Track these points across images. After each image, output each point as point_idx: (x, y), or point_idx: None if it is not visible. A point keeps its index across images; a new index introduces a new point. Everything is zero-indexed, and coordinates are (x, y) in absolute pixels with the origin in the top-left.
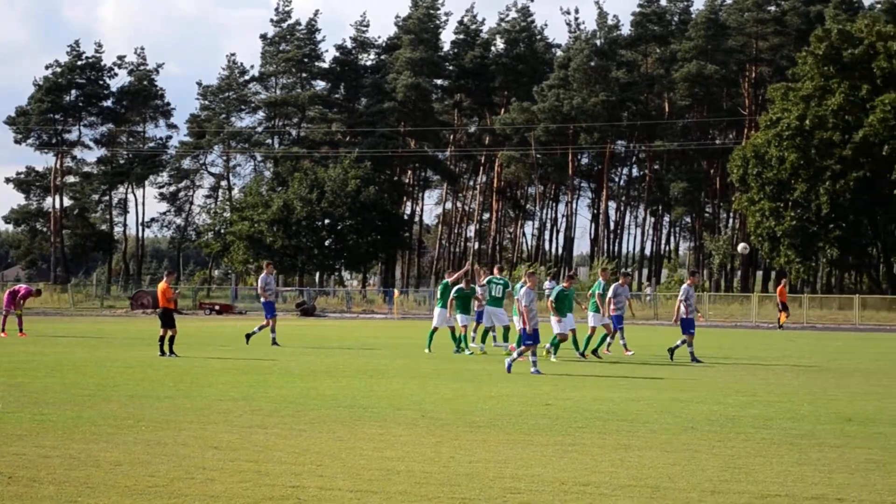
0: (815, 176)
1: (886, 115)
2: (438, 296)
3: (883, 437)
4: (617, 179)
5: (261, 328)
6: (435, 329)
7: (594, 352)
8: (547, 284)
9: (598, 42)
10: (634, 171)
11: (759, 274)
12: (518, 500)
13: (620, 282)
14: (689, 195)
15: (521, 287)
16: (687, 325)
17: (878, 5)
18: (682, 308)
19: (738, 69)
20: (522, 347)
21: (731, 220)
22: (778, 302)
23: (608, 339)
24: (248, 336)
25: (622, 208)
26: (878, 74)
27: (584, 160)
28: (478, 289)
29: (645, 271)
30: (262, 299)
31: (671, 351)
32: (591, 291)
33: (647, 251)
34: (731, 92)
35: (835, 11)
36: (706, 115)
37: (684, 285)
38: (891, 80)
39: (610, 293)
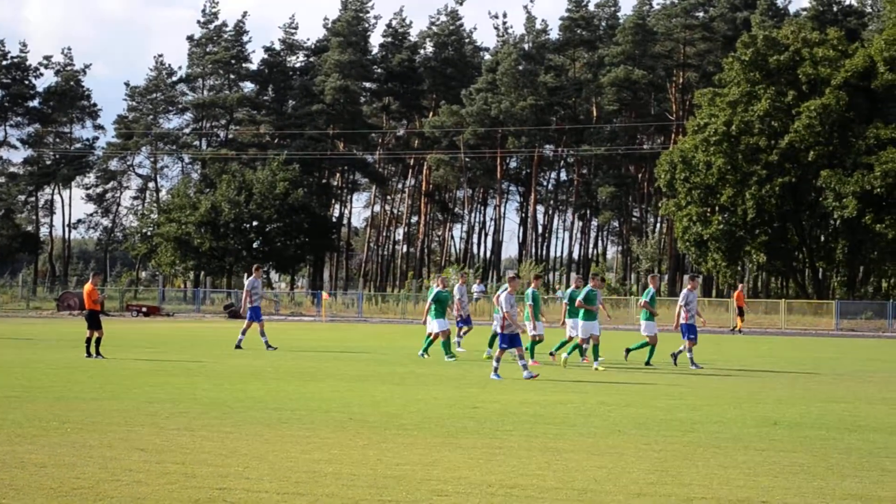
0: (742, 181)
1: (812, 120)
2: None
3: (808, 440)
4: (545, 183)
5: (244, 332)
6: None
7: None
8: (476, 288)
9: (526, 46)
10: (563, 176)
11: (686, 279)
12: (445, 502)
13: (592, 284)
14: (616, 200)
15: (502, 292)
16: (687, 331)
17: (804, 12)
18: (683, 313)
19: (665, 74)
20: (498, 352)
21: (658, 225)
22: (735, 307)
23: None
24: (237, 346)
25: (550, 212)
26: (804, 81)
27: (513, 164)
28: (455, 293)
29: (573, 275)
30: (249, 303)
31: (674, 356)
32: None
33: (575, 255)
34: (658, 97)
35: (761, 18)
36: (634, 120)
37: (684, 290)
38: (816, 86)
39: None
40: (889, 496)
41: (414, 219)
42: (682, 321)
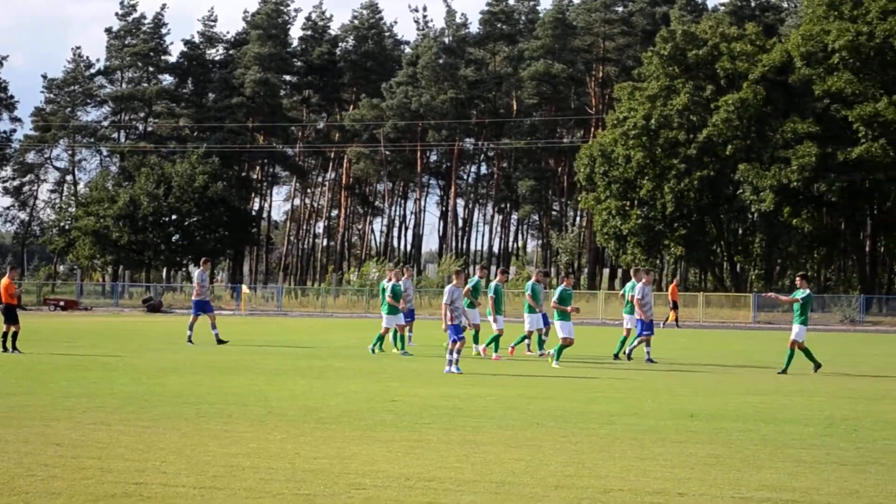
0: (661, 175)
1: (730, 115)
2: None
3: (724, 432)
4: (465, 177)
5: (214, 326)
6: (476, 328)
7: (623, 354)
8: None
9: (446, 40)
10: (483, 169)
11: (606, 272)
12: (363, 495)
13: (534, 278)
14: (536, 193)
15: (448, 285)
16: (644, 326)
17: (722, 7)
18: (638, 308)
19: (585, 68)
20: (450, 343)
21: (577, 218)
22: (669, 300)
23: (527, 340)
24: (218, 341)
25: (470, 205)
26: (722, 75)
27: (433, 157)
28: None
29: (493, 268)
30: (196, 297)
31: (628, 353)
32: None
33: (496, 248)
34: (578, 91)
35: (680, 13)
36: (554, 114)
37: (639, 284)
38: (734, 80)
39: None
40: (803, 486)
41: (334, 212)
42: (637, 317)
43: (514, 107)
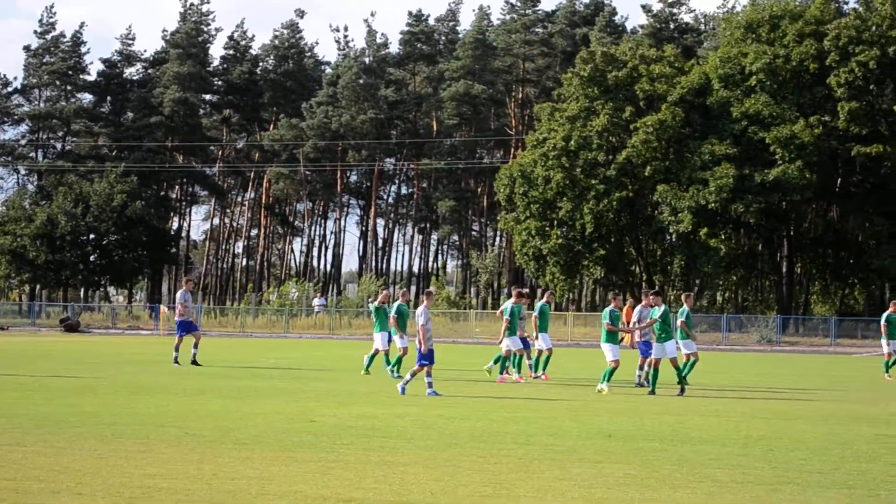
0: (580, 195)
1: (648, 136)
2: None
3: (641, 452)
4: (385, 197)
5: (195, 346)
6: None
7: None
8: (317, 301)
9: (366, 60)
10: (403, 189)
11: (526, 291)
12: None
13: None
14: (456, 213)
15: (420, 307)
16: (644, 347)
17: (641, 29)
18: (637, 331)
19: (505, 89)
20: (416, 367)
21: (497, 239)
22: (623, 322)
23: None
24: (193, 362)
25: (391, 226)
26: (641, 96)
27: (353, 177)
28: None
29: (413, 288)
30: (178, 317)
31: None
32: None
33: (416, 268)
34: (498, 112)
35: (600, 34)
36: (474, 135)
37: (638, 307)
38: (653, 102)
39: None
40: None
41: (254, 232)
42: (635, 339)
43: (435, 127)
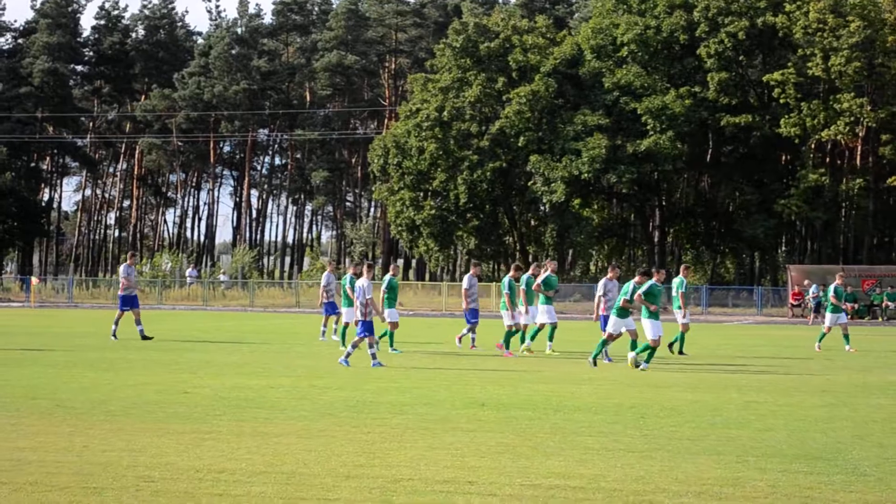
0: (454, 166)
1: (521, 107)
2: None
3: (515, 420)
4: (259, 168)
5: (138, 322)
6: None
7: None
8: (189, 272)
9: (239, 30)
10: (277, 160)
11: (401, 262)
12: (152, 488)
13: (472, 272)
14: (330, 184)
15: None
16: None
17: (513, 0)
18: (602, 304)
19: (378, 60)
20: (357, 339)
21: (372, 210)
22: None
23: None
24: (143, 337)
25: (265, 196)
26: (514, 67)
27: (227, 148)
28: (322, 281)
29: (287, 259)
30: (120, 291)
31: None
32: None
33: (290, 239)
34: (371, 82)
35: (472, 5)
36: (347, 105)
37: (603, 279)
38: (525, 73)
39: (465, 284)
40: (591, 473)
41: (126, 203)
42: (601, 313)
43: (308, 98)
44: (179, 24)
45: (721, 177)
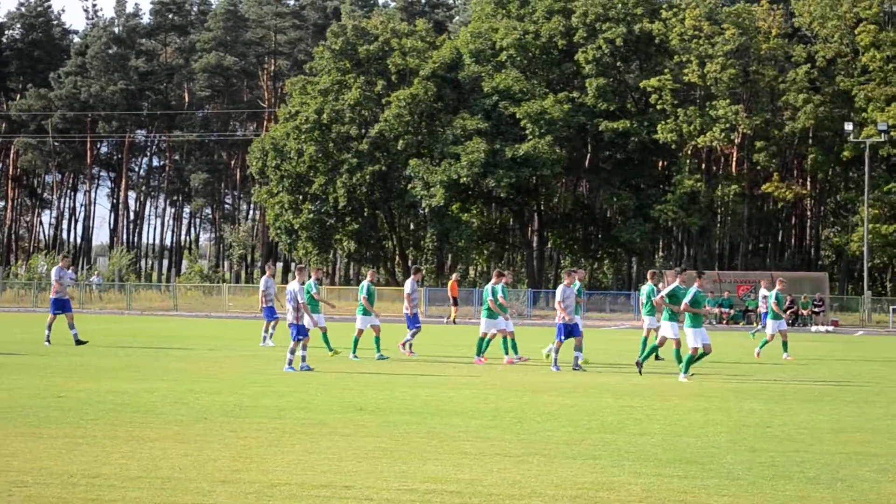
0: (333, 169)
1: (401, 110)
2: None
3: (392, 425)
4: (137, 169)
5: (71, 326)
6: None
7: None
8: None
9: (116, 30)
10: (155, 161)
11: (280, 265)
12: (24, 493)
13: (414, 277)
14: (209, 186)
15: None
16: (563, 330)
17: (393, 3)
18: (559, 310)
19: (257, 61)
20: (293, 343)
21: (251, 212)
22: (450, 296)
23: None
24: (77, 342)
25: (142, 198)
26: (393, 71)
27: (104, 149)
28: (262, 285)
29: (165, 262)
30: (53, 294)
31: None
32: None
33: (168, 241)
34: (251, 84)
35: (351, 7)
36: (226, 107)
37: (561, 286)
38: (405, 76)
39: (407, 289)
40: (467, 478)
41: (0, 204)
42: (563, 320)
43: (187, 99)
44: (56, 22)
45: (599, 182)
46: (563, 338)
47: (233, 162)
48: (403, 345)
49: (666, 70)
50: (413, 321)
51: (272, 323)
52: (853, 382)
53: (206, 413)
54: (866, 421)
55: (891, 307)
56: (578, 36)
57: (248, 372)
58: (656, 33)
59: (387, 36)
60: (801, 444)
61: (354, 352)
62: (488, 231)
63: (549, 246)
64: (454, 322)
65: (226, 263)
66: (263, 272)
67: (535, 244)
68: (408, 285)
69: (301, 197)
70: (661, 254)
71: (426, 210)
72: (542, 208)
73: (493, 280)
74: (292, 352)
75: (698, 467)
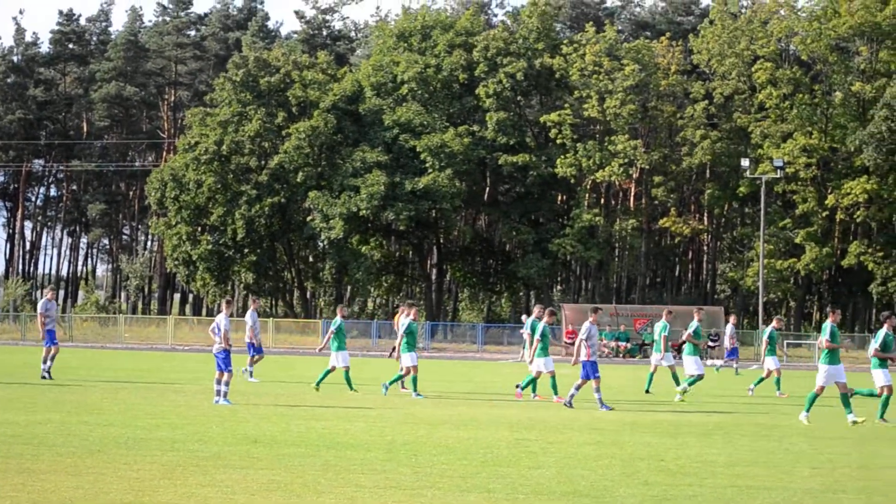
0: (232, 200)
1: (301, 142)
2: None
3: (287, 457)
4: (34, 199)
5: (52, 358)
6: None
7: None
8: None
9: (15, 59)
10: (52, 191)
11: (177, 297)
12: None
13: (546, 320)
14: (107, 217)
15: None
16: (590, 368)
17: (295, 35)
18: (584, 348)
19: (157, 92)
20: (226, 375)
21: (149, 243)
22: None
23: None
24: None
25: (39, 228)
26: (294, 102)
27: (0, 178)
28: (248, 319)
29: (61, 293)
30: (44, 326)
31: (571, 397)
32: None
33: (64, 272)
34: (150, 114)
35: (252, 39)
36: (125, 137)
37: (586, 323)
38: (306, 108)
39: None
40: None
41: None
42: (583, 357)
43: (85, 128)
44: None
45: (499, 215)
46: (595, 374)
47: (131, 192)
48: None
49: (566, 105)
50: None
51: (255, 357)
52: (748, 416)
53: (100, 445)
54: (760, 455)
55: (785, 342)
56: (479, 70)
57: (143, 403)
58: (557, 68)
59: (288, 68)
60: (695, 477)
61: (351, 387)
62: (387, 264)
63: (448, 279)
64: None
65: (122, 294)
66: (247, 306)
67: (433, 277)
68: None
69: (199, 228)
70: (559, 287)
71: (325, 242)
72: (442, 241)
73: (542, 318)
74: (218, 382)
75: (591, 500)
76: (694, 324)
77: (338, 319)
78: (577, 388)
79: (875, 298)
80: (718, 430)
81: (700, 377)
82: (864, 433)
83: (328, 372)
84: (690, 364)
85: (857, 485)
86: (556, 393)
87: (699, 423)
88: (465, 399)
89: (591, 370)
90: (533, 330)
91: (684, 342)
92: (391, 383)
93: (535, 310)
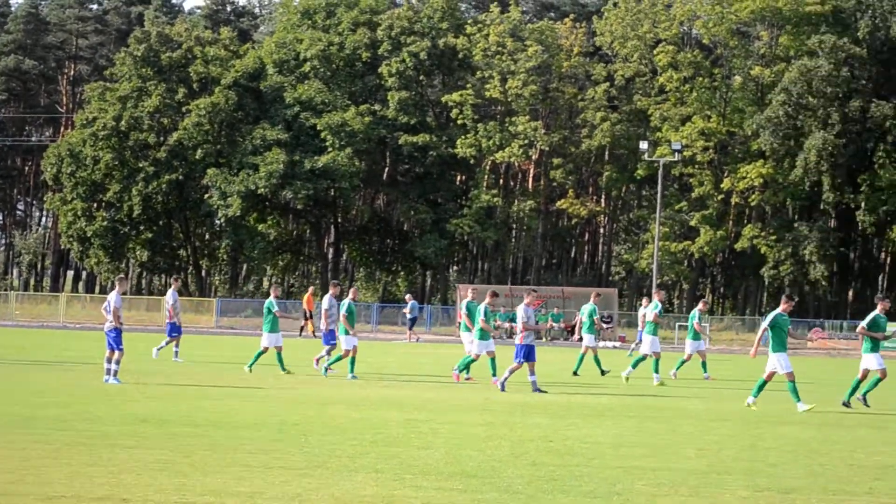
0: (129, 177)
1: (201, 119)
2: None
3: (175, 437)
4: None
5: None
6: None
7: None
8: None
9: None
10: None
11: (70, 274)
12: None
13: (332, 292)
14: (1, 192)
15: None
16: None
17: (198, 10)
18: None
19: (57, 66)
20: (108, 353)
21: (43, 219)
22: (305, 309)
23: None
24: None
25: None
26: (195, 79)
27: None
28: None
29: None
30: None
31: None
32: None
33: None
34: (49, 88)
35: (155, 14)
36: (23, 111)
37: (521, 306)
38: (207, 85)
39: (325, 304)
40: (248, 491)
41: None
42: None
43: None
44: None
45: (397, 195)
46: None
47: (27, 168)
48: (317, 360)
49: (468, 85)
50: (329, 337)
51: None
52: (636, 398)
53: None
54: (647, 436)
55: (677, 324)
56: (383, 49)
57: (32, 382)
58: (460, 48)
59: (190, 44)
60: (582, 458)
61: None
62: (284, 242)
63: (345, 258)
64: (314, 335)
65: (14, 271)
66: (321, 293)
67: (330, 256)
68: (325, 301)
69: (95, 204)
70: (455, 268)
71: (222, 220)
72: (340, 220)
73: (351, 296)
74: (108, 361)
75: (479, 481)
76: (590, 305)
77: (347, 301)
78: (511, 372)
79: (767, 282)
80: (607, 411)
81: (644, 357)
82: (748, 415)
83: (260, 353)
84: (647, 344)
85: (742, 465)
86: (494, 374)
87: (589, 405)
88: (356, 379)
89: (520, 353)
90: (472, 313)
91: (579, 325)
92: (329, 365)
93: (332, 289)
